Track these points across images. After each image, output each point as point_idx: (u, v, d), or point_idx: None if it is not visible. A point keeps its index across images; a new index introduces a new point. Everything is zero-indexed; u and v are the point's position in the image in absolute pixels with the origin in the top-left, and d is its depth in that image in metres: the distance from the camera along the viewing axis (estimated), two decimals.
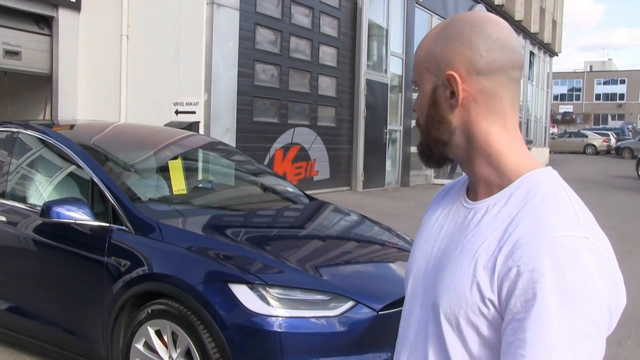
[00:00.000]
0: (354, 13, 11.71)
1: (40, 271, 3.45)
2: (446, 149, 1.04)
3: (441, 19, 14.92)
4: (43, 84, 9.40)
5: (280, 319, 2.57)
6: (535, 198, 0.94)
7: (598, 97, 70.92)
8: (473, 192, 1.05)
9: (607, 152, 33.69)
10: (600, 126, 53.14)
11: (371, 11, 12.17)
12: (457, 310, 0.94)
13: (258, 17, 9.28)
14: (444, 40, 1.00)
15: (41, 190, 3.73)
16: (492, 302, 0.90)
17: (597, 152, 33.87)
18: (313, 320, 2.61)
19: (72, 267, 3.28)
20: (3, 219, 3.59)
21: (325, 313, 2.63)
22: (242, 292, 2.62)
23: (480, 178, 1.02)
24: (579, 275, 0.84)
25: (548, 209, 0.91)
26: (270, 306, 2.59)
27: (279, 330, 2.56)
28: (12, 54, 8.70)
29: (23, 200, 3.70)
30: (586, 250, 0.86)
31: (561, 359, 0.82)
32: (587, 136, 35.60)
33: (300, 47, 10.38)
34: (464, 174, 1.08)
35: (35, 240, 3.44)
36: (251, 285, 2.64)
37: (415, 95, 1.13)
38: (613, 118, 66.77)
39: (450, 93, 0.99)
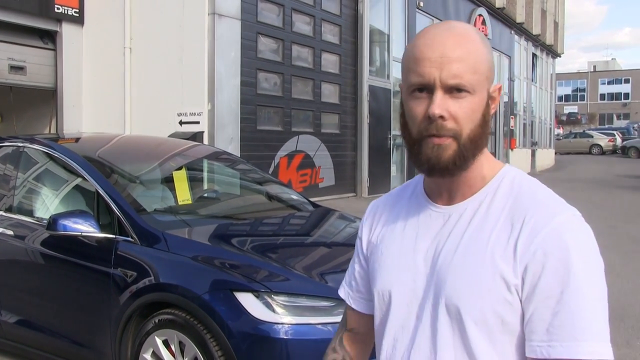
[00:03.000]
0: (355, 19, 11.75)
1: (48, 283, 3.48)
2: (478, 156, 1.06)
3: None
4: (48, 98, 9.48)
5: (287, 326, 2.58)
6: (523, 189, 1.03)
7: (603, 97, 70.69)
8: (440, 197, 1.09)
9: (613, 151, 33.52)
10: (606, 126, 52.96)
11: (372, 17, 12.20)
12: (481, 304, 0.98)
13: (259, 26, 9.33)
14: (489, 48, 1.05)
15: (47, 203, 3.77)
16: (516, 287, 0.97)
17: (603, 152, 33.71)
18: (319, 326, 2.62)
19: (79, 279, 3.31)
20: (10, 232, 3.63)
21: (331, 319, 2.63)
22: (248, 301, 2.64)
23: (467, 181, 1.06)
24: (592, 246, 0.98)
25: (544, 197, 1.02)
26: (276, 314, 2.60)
27: (285, 337, 2.57)
28: (17, 69, 8.78)
29: (30, 213, 3.73)
30: (585, 224, 0.99)
31: (602, 318, 0.94)
32: (592, 136, 35.45)
33: (302, 55, 10.41)
34: (397, 185, 1.12)
35: (42, 253, 3.47)
36: (257, 293, 2.66)
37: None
38: (618, 117, 66.52)
39: (492, 101, 1.05)
